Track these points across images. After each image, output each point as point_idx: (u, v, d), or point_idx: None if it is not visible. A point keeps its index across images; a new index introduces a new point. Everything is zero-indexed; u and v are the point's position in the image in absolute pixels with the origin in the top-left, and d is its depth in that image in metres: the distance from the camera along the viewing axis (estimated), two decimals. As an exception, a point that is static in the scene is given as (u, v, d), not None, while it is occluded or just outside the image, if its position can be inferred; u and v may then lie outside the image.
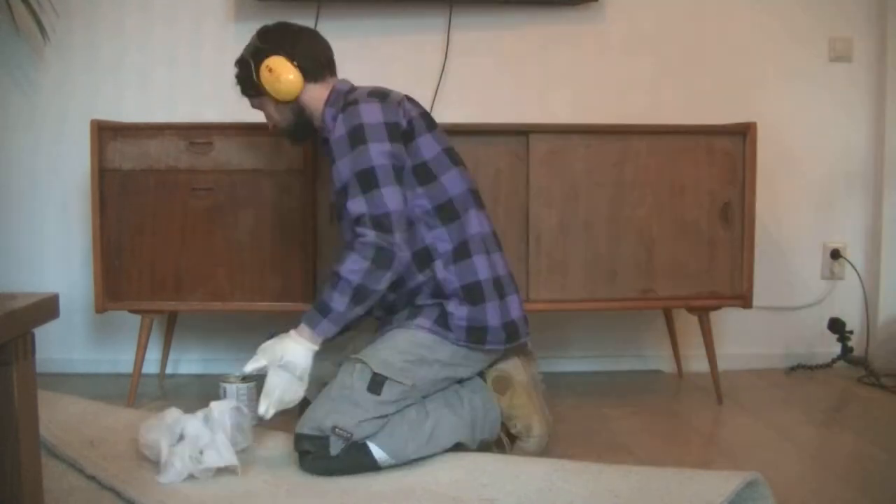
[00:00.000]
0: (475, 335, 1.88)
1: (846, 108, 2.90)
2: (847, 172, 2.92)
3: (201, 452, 1.74)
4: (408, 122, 1.91)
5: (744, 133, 2.40)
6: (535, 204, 2.38)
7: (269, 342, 1.83)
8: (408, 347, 1.86)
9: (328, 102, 1.98)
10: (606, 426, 2.22)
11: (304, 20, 2.70)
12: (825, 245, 2.92)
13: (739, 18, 2.87)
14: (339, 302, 1.79)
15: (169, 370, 2.75)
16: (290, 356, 1.78)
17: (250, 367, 1.80)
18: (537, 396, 1.98)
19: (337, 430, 1.74)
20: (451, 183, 1.93)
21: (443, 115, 2.74)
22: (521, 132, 2.38)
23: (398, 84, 2.74)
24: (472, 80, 2.78)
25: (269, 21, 2.06)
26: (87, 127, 2.31)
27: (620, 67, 2.83)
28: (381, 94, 1.93)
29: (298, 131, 2.06)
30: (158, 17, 2.74)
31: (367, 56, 2.77)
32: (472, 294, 1.89)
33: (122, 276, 2.33)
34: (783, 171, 2.86)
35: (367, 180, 1.82)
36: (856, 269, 2.89)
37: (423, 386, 1.86)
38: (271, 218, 2.34)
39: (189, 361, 2.82)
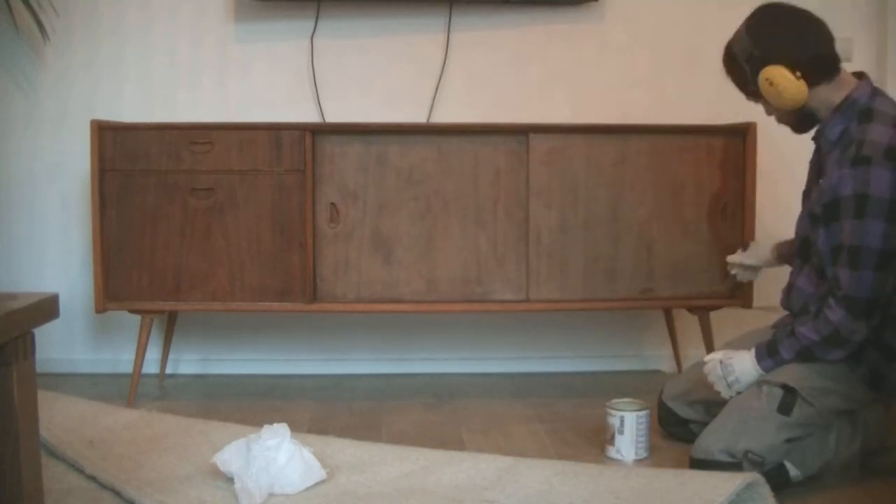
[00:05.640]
0: (876, 382, 1.83)
1: (846, 108, 2.89)
2: (847, 172, 2.91)
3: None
4: None
5: (744, 133, 2.40)
6: (535, 204, 2.38)
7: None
8: (823, 369, 1.79)
9: (838, 109, 1.80)
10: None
11: (304, 20, 2.73)
12: (825, 245, 2.91)
13: (739, 18, 2.84)
14: (786, 351, 1.82)
15: (169, 370, 2.75)
16: (736, 359, 1.86)
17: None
18: None
19: (750, 454, 1.75)
20: None
21: (443, 115, 2.75)
22: (521, 132, 2.38)
23: (398, 84, 2.78)
24: (472, 79, 2.78)
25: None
26: (87, 127, 2.31)
27: (620, 67, 2.83)
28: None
29: (801, 125, 1.91)
30: (158, 16, 2.74)
31: (367, 56, 2.77)
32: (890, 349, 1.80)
33: (122, 276, 2.33)
34: (783, 171, 2.86)
35: (854, 257, 1.71)
36: (856, 269, 2.88)
37: (825, 416, 1.81)
38: (271, 218, 2.34)
39: (189, 361, 2.82)
